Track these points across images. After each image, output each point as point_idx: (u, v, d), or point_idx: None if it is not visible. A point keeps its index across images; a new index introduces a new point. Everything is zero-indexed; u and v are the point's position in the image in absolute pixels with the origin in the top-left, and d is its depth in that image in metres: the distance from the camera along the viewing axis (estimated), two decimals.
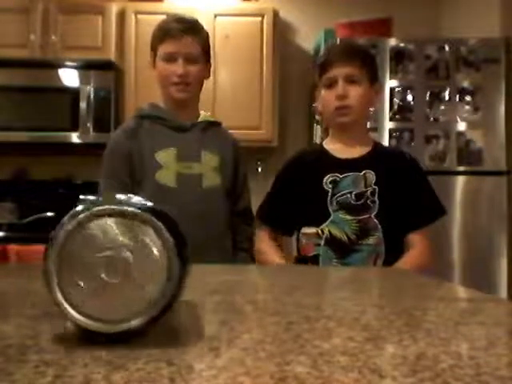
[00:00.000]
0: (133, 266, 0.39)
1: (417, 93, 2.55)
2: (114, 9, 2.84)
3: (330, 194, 1.37)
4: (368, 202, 1.36)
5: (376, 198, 1.37)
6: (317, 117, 2.89)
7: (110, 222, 0.40)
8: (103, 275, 0.39)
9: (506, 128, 2.55)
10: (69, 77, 2.75)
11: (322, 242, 1.36)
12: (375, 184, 1.37)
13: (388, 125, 2.54)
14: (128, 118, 2.80)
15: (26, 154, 2.99)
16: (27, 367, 0.33)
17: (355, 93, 1.39)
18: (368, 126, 2.40)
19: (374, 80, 1.46)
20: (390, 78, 2.54)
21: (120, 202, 0.41)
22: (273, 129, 3.05)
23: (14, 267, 1.38)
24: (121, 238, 0.40)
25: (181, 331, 0.48)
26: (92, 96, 2.72)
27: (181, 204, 1.38)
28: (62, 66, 2.76)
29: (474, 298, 0.70)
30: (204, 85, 1.60)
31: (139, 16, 2.90)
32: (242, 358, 0.36)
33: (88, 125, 2.71)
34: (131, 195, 0.44)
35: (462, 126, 2.56)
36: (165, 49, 1.52)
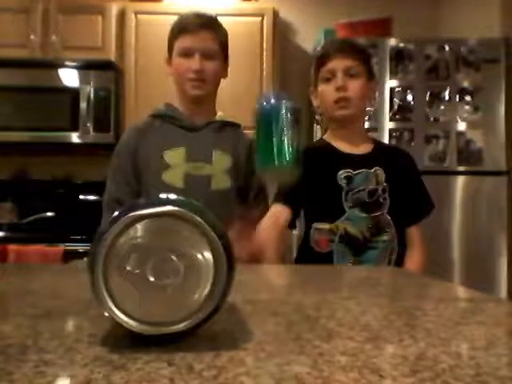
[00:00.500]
0: (180, 268, 0.39)
1: (417, 93, 2.55)
2: (114, 9, 2.84)
3: (344, 191, 1.36)
4: (380, 199, 1.37)
5: (387, 195, 1.38)
6: (317, 117, 2.88)
7: (157, 224, 0.39)
8: (151, 278, 0.38)
9: (506, 128, 2.55)
10: (69, 77, 2.75)
11: (337, 239, 1.35)
12: (385, 181, 1.38)
13: (388, 125, 2.54)
14: (128, 118, 2.81)
15: (26, 154, 2.99)
16: (27, 367, 0.33)
17: (354, 85, 1.38)
18: (367, 125, 2.40)
19: (371, 77, 1.46)
20: (390, 78, 2.54)
21: (166, 203, 0.40)
22: None
23: (14, 267, 1.37)
24: (168, 240, 0.39)
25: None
26: (92, 96, 2.72)
27: None
28: (62, 66, 2.76)
29: (474, 298, 0.70)
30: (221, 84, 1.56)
31: (139, 16, 2.90)
32: (242, 358, 0.36)
33: (88, 125, 2.71)
34: (172, 195, 0.43)
35: (462, 126, 2.56)
36: (181, 43, 1.47)
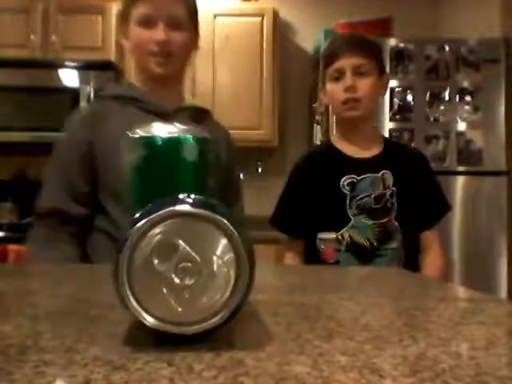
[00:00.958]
0: (203, 268, 0.39)
1: (417, 93, 2.55)
2: (114, 9, 2.84)
3: (348, 198, 1.31)
4: (388, 204, 1.32)
5: (395, 200, 1.32)
6: (317, 117, 2.88)
7: (179, 224, 0.39)
8: (175, 278, 0.38)
9: (505, 128, 2.55)
10: (69, 77, 2.75)
11: (343, 248, 1.30)
12: (393, 185, 1.33)
13: (388, 125, 2.54)
14: None
15: (25, 154, 2.99)
16: (27, 367, 0.33)
17: (364, 85, 1.32)
18: None
19: (382, 71, 1.39)
20: (390, 78, 2.54)
21: (186, 203, 0.40)
22: (273, 129, 3.05)
23: (14, 267, 1.37)
24: (190, 240, 0.39)
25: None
26: (92, 96, 2.72)
27: None
28: (62, 66, 2.76)
29: (474, 298, 0.70)
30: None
31: None
32: (242, 358, 0.36)
33: None
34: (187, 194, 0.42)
35: (462, 126, 2.56)
36: (140, 10, 1.18)
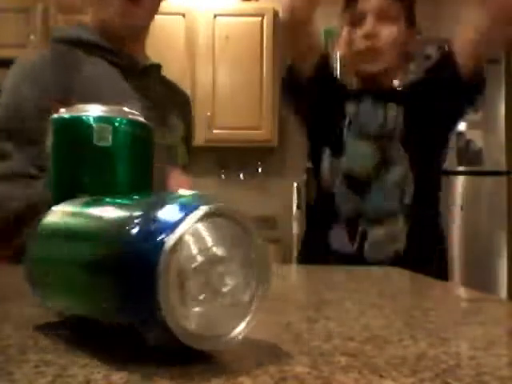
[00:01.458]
0: (228, 274, 0.34)
1: None
2: None
3: (347, 119, 1.15)
4: (392, 125, 1.12)
5: (402, 120, 1.12)
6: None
7: (201, 225, 0.33)
8: (214, 287, 0.34)
9: (506, 128, 2.56)
10: None
11: (338, 180, 1.15)
12: (398, 104, 1.13)
13: None
14: None
15: None
16: (27, 367, 0.33)
17: (388, 32, 1.11)
18: None
19: (412, 23, 1.16)
20: None
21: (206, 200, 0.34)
22: (273, 129, 3.05)
23: (14, 267, 1.37)
24: (213, 244, 0.34)
25: None
26: None
27: None
28: None
29: (474, 298, 0.70)
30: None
31: None
32: (242, 358, 0.36)
33: None
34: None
35: (461, 126, 2.56)
36: None
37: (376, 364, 0.35)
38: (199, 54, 2.92)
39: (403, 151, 1.12)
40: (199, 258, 0.33)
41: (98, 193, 0.41)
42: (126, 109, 0.42)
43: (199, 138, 2.93)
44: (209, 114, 2.96)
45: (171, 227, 0.31)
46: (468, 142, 2.56)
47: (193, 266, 0.33)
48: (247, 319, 0.36)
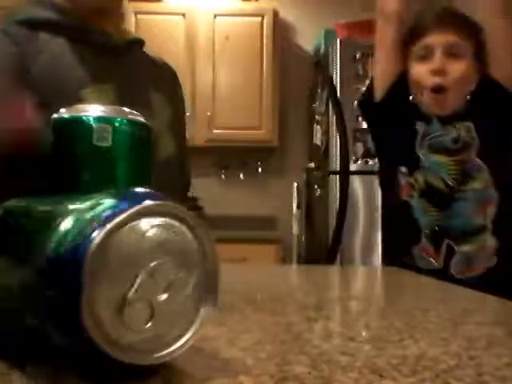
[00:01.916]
0: (176, 279, 0.31)
1: None
2: None
3: (420, 135, 1.15)
4: (465, 139, 1.12)
5: (474, 134, 1.12)
6: (317, 117, 2.87)
7: (146, 225, 0.30)
8: (161, 294, 0.30)
9: None
10: None
11: (415, 194, 1.15)
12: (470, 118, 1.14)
13: None
14: None
15: None
16: (27, 367, 0.33)
17: (456, 69, 1.10)
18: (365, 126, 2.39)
19: (480, 60, 1.14)
20: None
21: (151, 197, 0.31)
22: (273, 129, 3.05)
23: None
24: (159, 247, 0.31)
25: None
26: None
27: None
28: None
29: (474, 298, 0.70)
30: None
31: (139, 16, 2.90)
32: (242, 358, 0.36)
33: None
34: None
35: None
36: None
37: (376, 364, 0.35)
38: (199, 53, 2.92)
39: (482, 163, 1.13)
40: (136, 264, 0.29)
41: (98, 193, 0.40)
42: (126, 109, 0.42)
43: (199, 138, 2.93)
44: (209, 113, 2.96)
45: (100, 228, 0.28)
46: None
47: (129, 272, 0.29)
48: (193, 329, 0.32)
